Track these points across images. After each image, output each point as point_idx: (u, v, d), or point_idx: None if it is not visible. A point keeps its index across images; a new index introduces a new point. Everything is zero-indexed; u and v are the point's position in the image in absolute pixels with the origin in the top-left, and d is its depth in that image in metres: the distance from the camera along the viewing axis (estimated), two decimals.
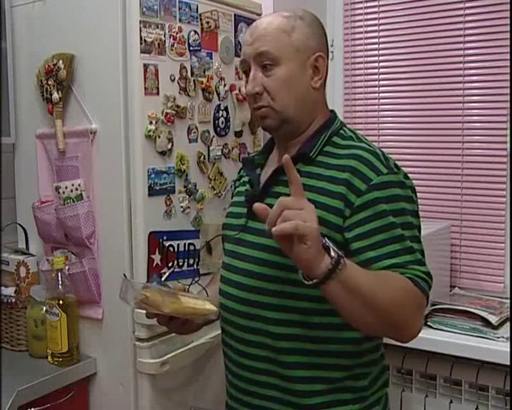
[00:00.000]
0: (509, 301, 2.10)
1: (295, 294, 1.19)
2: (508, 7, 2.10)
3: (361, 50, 2.47)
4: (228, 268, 1.32)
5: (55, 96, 1.80)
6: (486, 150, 2.23)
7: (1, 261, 2.01)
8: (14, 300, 1.90)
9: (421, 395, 2.09)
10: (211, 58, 1.92)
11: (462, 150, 2.27)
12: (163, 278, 1.54)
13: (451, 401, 2.04)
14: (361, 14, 2.46)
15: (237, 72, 2.04)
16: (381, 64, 2.43)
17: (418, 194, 2.39)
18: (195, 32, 1.86)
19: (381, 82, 2.44)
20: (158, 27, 1.74)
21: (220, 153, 1.98)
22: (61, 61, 1.78)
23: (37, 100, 1.90)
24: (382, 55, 2.43)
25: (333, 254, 1.00)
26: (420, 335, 1.91)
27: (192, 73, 1.86)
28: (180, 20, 1.81)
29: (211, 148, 1.94)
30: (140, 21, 1.69)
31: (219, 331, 1.98)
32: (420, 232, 1.23)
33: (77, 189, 1.80)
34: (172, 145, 1.79)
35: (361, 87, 2.49)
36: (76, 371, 1.80)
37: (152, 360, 1.75)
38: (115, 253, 1.77)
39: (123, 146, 1.73)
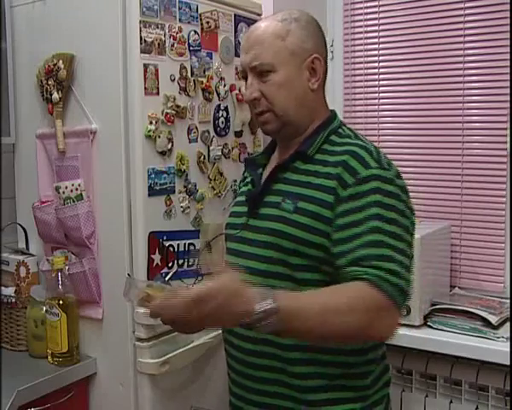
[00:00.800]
0: (509, 301, 2.10)
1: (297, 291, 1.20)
2: (508, 7, 2.10)
3: (361, 50, 2.47)
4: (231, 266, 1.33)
5: (55, 96, 1.80)
6: (486, 150, 2.23)
7: (1, 261, 2.01)
8: (14, 300, 1.90)
9: (421, 395, 2.09)
10: (211, 58, 1.92)
11: (462, 150, 2.27)
12: (167, 278, 1.54)
13: (451, 401, 2.04)
14: (361, 15, 2.46)
15: (237, 72, 2.04)
16: (381, 64, 2.43)
17: (418, 194, 2.42)
18: (195, 32, 1.86)
19: (381, 82, 2.44)
20: (158, 27, 1.74)
21: (220, 153, 1.98)
22: (61, 61, 1.78)
23: (37, 100, 1.90)
24: (382, 55, 2.43)
25: (258, 309, 1.01)
26: (420, 335, 1.94)
27: (192, 73, 1.86)
28: (180, 20, 1.81)
29: (211, 148, 1.94)
30: (140, 21, 1.69)
31: (219, 331, 1.99)
32: (409, 233, 1.21)
33: (77, 189, 1.80)
34: (172, 145, 1.79)
35: (361, 87, 2.49)
36: (76, 371, 1.80)
37: (152, 360, 1.75)
38: (115, 253, 1.77)
39: (123, 146, 1.73)
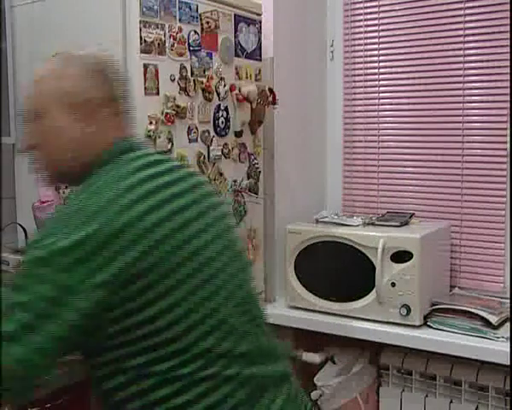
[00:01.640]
0: (509, 301, 2.09)
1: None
2: (508, 7, 2.10)
3: (361, 50, 2.47)
4: None
5: None
6: (486, 150, 2.23)
7: (1, 261, 2.01)
8: None
9: (421, 395, 2.09)
10: (211, 58, 1.92)
11: (462, 150, 2.27)
12: None
13: (451, 401, 2.04)
14: (361, 14, 2.46)
15: (237, 72, 2.04)
16: (381, 64, 2.43)
17: (418, 194, 2.43)
18: (195, 32, 1.86)
19: (381, 82, 2.44)
20: (158, 27, 1.74)
21: (220, 153, 1.98)
22: None
23: None
24: (382, 55, 2.43)
25: None
26: (420, 335, 1.94)
27: (192, 73, 1.86)
28: (180, 20, 1.81)
29: (211, 148, 1.94)
30: (140, 21, 1.69)
31: None
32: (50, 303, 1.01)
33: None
34: (172, 145, 1.79)
35: (361, 87, 2.49)
36: (76, 371, 1.80)
37: None
38: None
39: None
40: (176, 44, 1.79)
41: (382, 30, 2.42)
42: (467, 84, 2.26)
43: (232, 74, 2.02)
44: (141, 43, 1.69)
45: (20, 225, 2.03)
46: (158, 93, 1.75)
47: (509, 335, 1.86)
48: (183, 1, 1.81)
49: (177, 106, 1.79)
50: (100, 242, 1.01)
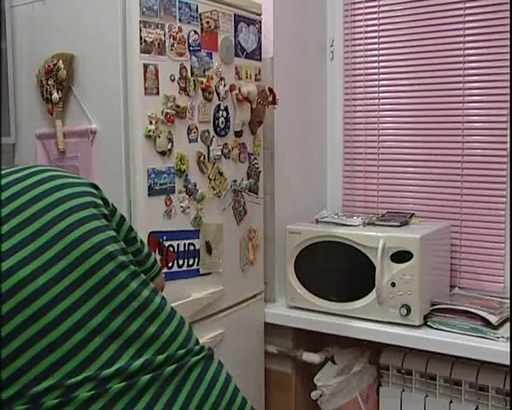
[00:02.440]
0: (509, 301, 2.10)
1: None
2: (508, 7, 2.10)
3: (361, 50, 2.47)
4: None
5: (55, 96, 1.80)
6: (486, 150, 2.23)
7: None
8: None
9: (421, 395, 2.09)
10: (211, 58, 1.92)
11: (462, 150, 2.27)
12: None
13: (451, 401, 2.04)
14: (361, 14, 2.46)
15: (237, 72, 2.04)
16: (381, 64, 2.44)
17: (418, 194, 2.43)
18: (195, 32, 1.86)
19: (381, 82, 2.44)
20: (158, 27, 1.74)
21: (220, 153, 1.98)
22: (61, 61, 1.78)
23: (37, 100, 1.90)
24: (382, 55, 2.43)
25: None
26: (420, 335, 1.95)
27: (192, 73, 1.86)
28: (180, 20, 1.81)
29: (211, 148, 1.94)
30: (140, 21, 1.69)
31: (219, 331, 1.99)
32: None
33: None
34: (172, 145, 1.79)
35: (361, 87, 2.49)
36: None
37: None
38: None
39: (123, 146, 1.73)
40: (176, 44, 1.79)
41: (382, 30, 2.42)
42: (467, 84, 2.26)
43: (232, 74, 2.02)
44: (141, 43, 1.69)
45: None
46: (158, 93, 1.75)
47: (509, 335, 1.86)
48: (183, 1, 1.81)
49: (177, 106, 1.79)
50: None
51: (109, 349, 0.88)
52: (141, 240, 1.12)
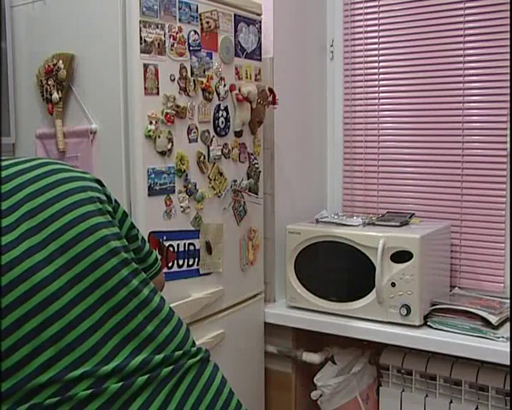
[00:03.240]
0: (509, 301, 2.10)
1: None
2: (508, 7, 2.11)
3: (361, 50, 2.47)
4: None
5: (55, 96, 1.80)
6: (486, 150, 2.23)
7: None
8: None
9: (421, 395, 2.09)
10: (211, 58, 1.92)
11: (462, 150, 2.27)
12: None
13: (451, 401, 2.04)
14: (361, 14, 2.46)
15: (237, 72, 2.04)
16: (381, 64, 2.44)
17: (418, 194, 2.43)
18: (195, 32, 1.86)
19: (381, 82, 2.44)
20: (158, 27, 1.74)
21: (220, 153, 1.98)
22: (61, 61, 1.78)
23: (37, 100, 1.90)
24: (382, 55, 2.43)
25: None
26: (420, 335, 1.95)
27: (192, 73, 1.86)
28: (180, 20, 1.81)
29: (211, 148, 1.94)
30: (140, 21, 1.69)
31: (219, 331, 1.99)
32: None
33: None
34: (172, 145, 1.79)
35: (361, 87, 2.49)
36: None
37: None
38: None
39: (123, 146, 1.73)
40: (176, 44, 1.79)
41: (382, 30, 2.42)
42: (467, 84, 2.26)
43: (232, 74, 2.02)
44: (141, 43, 1.69)
45: None
46: (158, 93, 1.75)
47: (509, 335, 1.86)
48: (183, 1, 1.81)
49: (177, 106, 1.79)
50: None
51: (108, 345, 0.88)
52: (142, 238, 1.12)
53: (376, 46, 2.44)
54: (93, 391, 0.84)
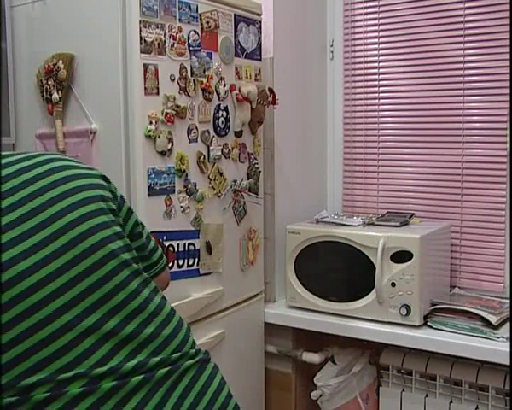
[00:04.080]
0: (509, 301, 2.10)
1: None
2: (508, 7, 2.11)
3: (361, 50, 2.47)
4: None
5: (55, 96, 1.80)
6: (486, 150, 2.23)
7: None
8: None
9: (421, 395, 2.09)
10: (211, 58, 1.92)
11: (462, 150, 2.27)
12: None
13: (451, 401, 2.04)
14: (361, 14, 2.46)
15: (237, 72, 2.04)
16: (381, 64, 2.44)
17: (418, 194, 2.43)
18: (195, 32, 1.86)
19: (381, 82, 2.44)
20: (158, 27, 1.74)
21: (220, 153, 1.98)
22: (61, 61, 1.78)
23: (37, 100, 1.90)
24: (382, 55, 2.43)
25: None
26: (420, 335, 1.95)
27: (192, 73, 1.86)
28: (180, 20, 1.81)
29: (211, 148, 1.94)
30: (140, 21, 1.69)
31: (219, 331, 1.99)
32: None
33: None
34: (172, 145, 1.79)
35: (361, 87, 2.49)
36: None
37: None
38: None
39: (123, 146, 1.73)
40: (176, 44, 1.79)
41: (382, 30, 2.42)
42: (467, 84, 2.26)
43: (232, 74, 2.02)
44: (141, 43, 1.69)
45: None
46: (158, 93, 1.75)
47: (509, 335, 1.86)
48: (183, 1, 1.81)
49: (177, 106, 1.79)
50: None
51: (102, 349, 0.87)
52: (148, 235, 1.11)
53: (376, 46, 2.44)
54: (86, 389, 0.84)
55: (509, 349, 1.79)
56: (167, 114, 1.77)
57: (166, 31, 1.76)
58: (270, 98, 2.14)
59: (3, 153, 0.96)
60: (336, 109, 2.57)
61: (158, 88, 1.74)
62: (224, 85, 1.97)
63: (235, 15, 2.02)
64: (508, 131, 2.16)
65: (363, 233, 2.08)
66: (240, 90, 2.02)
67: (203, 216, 1.91)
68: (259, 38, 2.15)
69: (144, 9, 1.70)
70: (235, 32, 2.03)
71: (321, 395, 2.18)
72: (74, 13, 1.80)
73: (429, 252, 2.04)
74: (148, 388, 0.89)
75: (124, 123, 1.72)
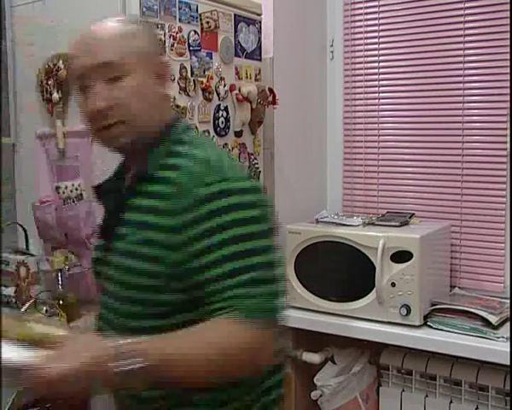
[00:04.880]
0: (509, 301, 2.09)
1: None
2: (508, 7, 2.10)
3: (361, 50, 2.47)
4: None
5: (55, 96, 1.80)
6: (486, 150, 2.23)
7: (1, 261, 2.01)
8: (14, 300, 1.90)
9: (421, 395, 2.09)
10: (211, 58, 1.92)
11: (462, 150, 2.27)
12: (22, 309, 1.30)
13: (451, 401, 2.04)
14: (361, 14, 2.46)
15: (237, 72, 2.04)
16: (381, 64, 2.43)
17: (418, 194, 2.42)
18: (195, 32, 1.86)
19: (381, 82, 2.44)
20: (158, 27, 1.74)
21: None
22: (61, 61, 1.78)
23: (37, 100, 1.90)
24: (382, 55, 2.43)
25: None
26: (420, 335, 1.95)
27: (192, 73, 1.86)
28: (180, 20, 1.81)
29: None
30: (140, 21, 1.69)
31: None
32: (269, 237, 1.07)
33: (77, 189, 1.80)
34: None
35: (361, 87, 2.49)
36: None
37: None
38: None
39: None
40: (176, 44, 1.80)
41: (382, 30, 2.42)
42: (467, 84, 2.25)
43: (232, 74, 2.02)
44: None
45: (20, 225, 2.03)
46: None
47: (509, 335, 1.86)
48: (183, 1, 1.81)
49: (177, 106, 1.79)
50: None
51: None
52: None
53: (376, 46, 2.43)
54: None
55: (509, 349, 1.79)
56: None
57: (166, 31, 1.76)
58: (270, 98, 2.14)
59: None
60: (336, 109, 2.57)
61: None
62: (224, 85, 1.97)
63: (235, 15, 2.02)
64: (508, 131, 2.16)
65: (363, 233, 2.07)
66: (240, 90, 2.02)
67: None
68: (259, 38, 2.15)
69: (144, 9, 1.70)
70: (235, 32, 2.03)
71: (321, 395, 2.18)
72: (74, 13, 1.80)
73: (429, 252, 2.04)
74: None
75: None
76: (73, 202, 1.80)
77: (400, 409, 2.12)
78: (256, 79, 2.13)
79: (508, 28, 2.12)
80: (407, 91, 2.39)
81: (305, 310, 2.19)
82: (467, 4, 2.23)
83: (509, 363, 1.78)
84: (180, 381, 1.00)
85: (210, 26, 1.90)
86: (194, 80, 1.86)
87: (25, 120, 1.99)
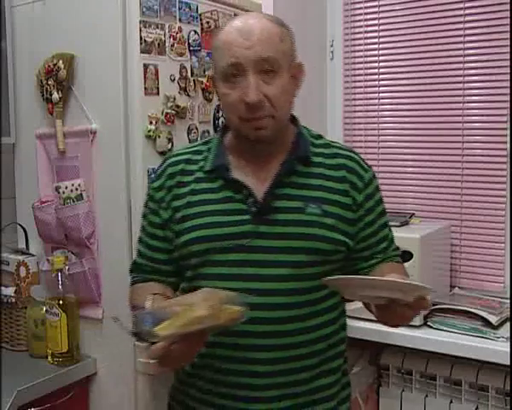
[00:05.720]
0: (509, 301, 2.10)
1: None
2: (508, 7, 2.11)
3: (361, 50, 2.47)
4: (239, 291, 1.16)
5: (55, 96, 1.80)
6: (486, 150, 2.23)
7: (1, 261, 2.01)
8: (14, 300, 1.90)
9: (421, 395, 2.09)
10: (211, 58, 1.92)
11: (462, 150, 2.27)
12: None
13: (451, 401, 2.04)
14: (361, 14, 2.46)
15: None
16: (381, 64, 2.43)
17: (418, 194, 2.42)
18: (195, 32, 1.86)
19: (381, 82, 2.44)
20: (158, 27, 1.74)
21: None
22: (61, 61, 1.78)
23: (37, 100, 1.90)
24: (382, 55, 2.43)
25: None
26: (420, 335, 1.95)
27: (192, 73, 1.86)
28: (180, 20, 1.81)
29: None
30: (140, 21, 1.69)
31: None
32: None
33: (77, 189, 1.80)
34: (172, 145, 1.79)
35: (361, 87, 2.49)
36: (76, 371, 1.80)
37: (152, 360, 1.75)
38: (115, 253, 1.77)
39: (123, 146, 1.73)
40: (176, 44, 1.80)
41: (382, 30, 2.42)
42: (467, 84, 2.26)
43: None
44: (141, 43, 1.70)
45: (20, 225, 2.03)
46: (158, 93, 1.75)
47: (509, 335, 1.86)
48: (183, 1, 1.81)
49: (177, 106, 1.80)
50: None
51: None
52: None
53: (376, 46, 2.44)
54: None
55: (509, 349, 1.79)
56: (167, 114, 1.77)
57: (166, 31, 1.77)
58: None
59: None
60: (336, 109, 2.57)
61: (158, 88, 1.75)
62: None
63: (235, 15, 2.02)
64: (508, 131, 2.16)
65: None
66: None
67: None
68: None
69: (144, 9, 1.70)
70: None
71: None
72: (74, 13, 1.81)
73: (429, 252, 2.04)
74: None
75: (124, 123, 1.73)
76: (73, 202, 1.80)
77: (400, 409, 2.12)
78: None
79: (508, 28, 2.12)
80: (407, 91, 2.39)
81: None
82: (467, 4, 2.23)
83: (509, 363, 1.78)
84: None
85: (210, 26, 1.90)
86: (194, 80, 1.86)
87: (25, 120, 1.99)
